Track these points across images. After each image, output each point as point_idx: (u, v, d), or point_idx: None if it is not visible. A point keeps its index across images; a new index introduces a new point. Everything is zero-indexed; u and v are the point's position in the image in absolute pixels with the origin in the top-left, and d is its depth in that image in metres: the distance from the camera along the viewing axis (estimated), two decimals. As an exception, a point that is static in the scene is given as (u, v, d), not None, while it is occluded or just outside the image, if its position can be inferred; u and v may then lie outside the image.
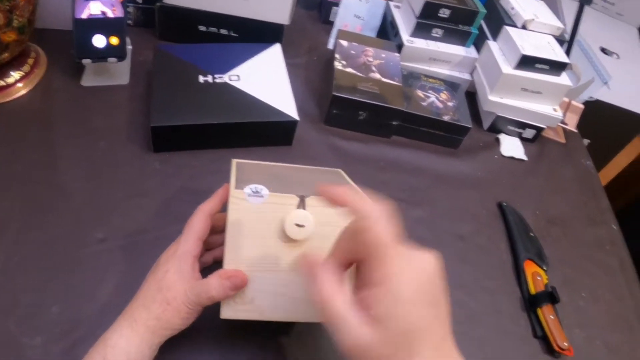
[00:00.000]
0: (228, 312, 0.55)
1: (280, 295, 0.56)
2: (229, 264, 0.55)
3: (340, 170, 0.67)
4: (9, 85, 0.85)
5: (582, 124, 1.16)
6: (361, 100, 0.89)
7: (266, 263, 0.55)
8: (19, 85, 0.86)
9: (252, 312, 0.56)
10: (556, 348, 0.72)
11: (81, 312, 0.63)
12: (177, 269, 0.55)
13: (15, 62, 0.86)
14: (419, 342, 0.39)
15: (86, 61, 0.84)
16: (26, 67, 0.88)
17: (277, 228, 0.54)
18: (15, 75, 0.86)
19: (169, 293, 0.54)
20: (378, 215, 0.43)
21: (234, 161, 0.61)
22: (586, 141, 1.15)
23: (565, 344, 0.72)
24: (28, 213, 0.71)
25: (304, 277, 0.44)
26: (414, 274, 0.41)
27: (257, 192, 0.53)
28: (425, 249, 0.43)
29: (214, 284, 0.53)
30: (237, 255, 0.55)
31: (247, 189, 0.53)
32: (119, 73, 0.93)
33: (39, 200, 0.73)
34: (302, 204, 0.54)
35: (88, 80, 0.91)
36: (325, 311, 0.41)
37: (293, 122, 0.83)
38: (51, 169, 0.77)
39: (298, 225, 0.54)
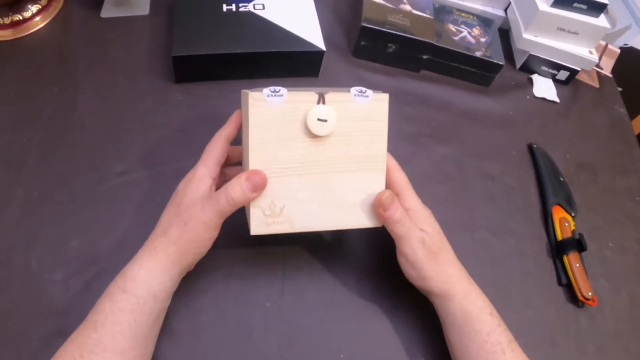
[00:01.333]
0: (258, 228, 0.54)
1: (310, 202, 0.55)
2: (252, 167, 0.54)
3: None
4: (26, 19, 0.84)
5: (615, 71, 1.12)
6: (391, 32, 0.86)
7: (292, 165, 0.54)
8: (37, 19, 0.85)
9: (283, 224, 0.55)
10: (580, 297, 0.70)
11: (100, 246, 0.64)
12: (195, 189, 0.54)
13: (32, -5, 0.84)
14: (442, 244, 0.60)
15: (106, -10, 0.83)
16: (44, 0, 0.86)
17: (299, 127, 0.54)
18: (32, 8, 0.85)
19: (186, 213, 0.53)
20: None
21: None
22: (618, 89, 1.11)
23: (590, 294, 0.70)
24: (46, 147, 0.71)
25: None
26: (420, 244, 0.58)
27: (276, 91, 0.52)
28: None
29: (233, 185, 0.52)
30: (259, 158, 0.53)
31: (266, 90, 0.52)
32: (139, 3, 0.91)
33: (58, 134, 0.73)
34: (322, 100, 0.53)
35: (107, 11, 0.89)
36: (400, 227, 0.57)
37: (319, 53, 0.81)
38: (70, 103, 0.77)
39: (320, 120, 0.53)
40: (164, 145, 0.74)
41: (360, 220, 0.57)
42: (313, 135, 0.53)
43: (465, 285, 0.58)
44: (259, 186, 0.52)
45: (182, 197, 0.54)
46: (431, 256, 0.57)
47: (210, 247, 0.54)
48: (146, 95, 0.79)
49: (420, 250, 0.57)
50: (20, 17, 0.83)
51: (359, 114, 0.55)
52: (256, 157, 0.53)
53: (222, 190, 0.52)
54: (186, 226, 0.52)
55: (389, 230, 0.57)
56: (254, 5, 0.83)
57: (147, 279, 0.51)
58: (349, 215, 0.57)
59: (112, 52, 0.84)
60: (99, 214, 0.66)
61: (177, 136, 0.75)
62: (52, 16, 0.87)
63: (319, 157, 0.54)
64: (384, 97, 0.55)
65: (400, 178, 0.60)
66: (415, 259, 0.57)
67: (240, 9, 0.82)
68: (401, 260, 0.58)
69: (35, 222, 0.64)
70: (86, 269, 0.61)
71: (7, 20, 0.83)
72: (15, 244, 0.62)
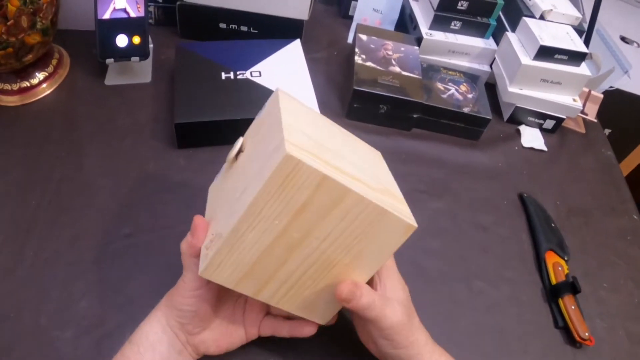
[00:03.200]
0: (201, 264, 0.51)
1: None
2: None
3: (379, 153, 0.65)
4: (33, 86, 0.88)
5: (602, 113, 1.15)
6: (382, 93, 0.90)
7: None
8: (44, 85, 0.89)
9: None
10: (577, 338, 0.72)
11: (109, 306, 0.65)
12: None
13: (39, 63, 0.88)
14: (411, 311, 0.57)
15: (109, 61, 0.86)
16: (50, 68, 0.90)
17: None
18: (39, 76, 0.88)
19: (182, 276, 0.55)
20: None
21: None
22: (607, 131, 1.14)
23: (587, 334, 0.72)
24: (55, 210, 0.73)
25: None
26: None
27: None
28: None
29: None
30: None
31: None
32: (142, 71, 0.94)
33: (66, 197, 0.75)
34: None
35: (111, 79, 0.92)
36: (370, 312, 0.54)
37: (314, 116, 0.84)
38: (77, 167, 0.79)
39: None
40: (168, 209, 0.76)
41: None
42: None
43: (429, 348, 0.58)
44: (194, 229, 0.53)
45: None
46: (404, 326, 0.56)
47: (192, 307, 0.54)
48: (150, 160, 0.82)
49: (395, 323, 0.55)
50: (28, 84, 0.87)
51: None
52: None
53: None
54: (176, 285, 0.55)
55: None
56: (251, 72, 0.87)
57: (145, 330, 0.55)
58: None
59: (117, 118, 0.87)
60: (107, 275, 0.68)
61: (180, 200, 0.77)
62: (58, 83, 0.90)
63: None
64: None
65: None
66: (388, 332, 0.55)
67: (238, 77, 0.86)
68: (372, 331, 0.56)
69: (45, 281, 0.66)
70: (95, 328, 0.63)
71: (15, 87, 0.86)
72: (25, 302, 0.64)
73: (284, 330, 0.62)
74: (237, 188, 0.51)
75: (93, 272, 0.68)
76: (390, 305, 0.54)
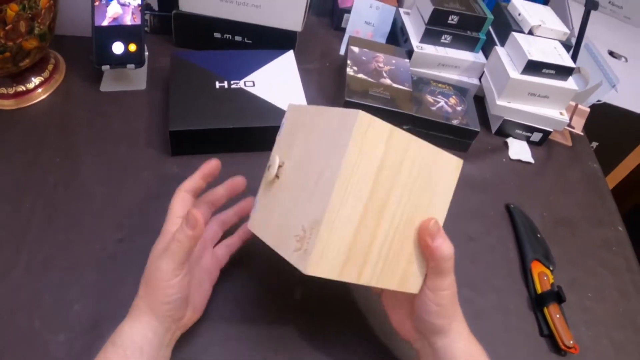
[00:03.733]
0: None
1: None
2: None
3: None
4: (29, 91, 0.89)
5: (590, 126, 1.17)
6: (373, 105, 0.91)
7: None
8: (39, 90, 0.90)
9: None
10: (562, 346, 0.73)
11: (102, 310, 0.66)
12: (155, 247, 0.58)
13: (35, 68, 0.89)
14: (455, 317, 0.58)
15: (105, 67, 0.87)
16: (46, 73, 0.91)
17: None
18: (35, 80, 0.89)
19: (147, 269, 0.57)
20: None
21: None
22: (594, 144, 1.16)
23: (571, 342, 0.73)
24: (49, 215, 0.74)
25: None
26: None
27: None
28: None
29: (177, 231, 0.55)
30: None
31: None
32: (137, 79, 0.95)
33: (60, 202, 0.76)
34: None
35: (106, 85, 0.93)
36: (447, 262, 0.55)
37: (307, 126, 0.86)
38: (72, 172, 0.80)
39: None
40: (161, 215, 0.74)
41: None
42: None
43: (466, 326, 0.59)
44: (193, 225, 0.54)
45: (149, 258, 0.58)
46: (454, 296, 0.57)
47: (178, 294, 0.56)
48: (144, 167, 0.83)
49: (451, 288, 0.56)
50: (24, 88, 0.88)
51: None
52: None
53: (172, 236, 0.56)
54: (147, 281, 0.56)
55: (430, 264, 0.56)
56: (244, 82, 0.88)
57: (130, 332, 0.55)
58: None
59: (112, 124, 0.88)
60: (101, 280, 0.68)
61: None
62: (54, 88, 0.91)
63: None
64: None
65: None
66: (444, 294, 0.56)
67: (232, 86, 0.87)
68: (426, 294, 0.56)
69: (39, 285, 0.66)
70: (88, 332, 0.63)
71: (10, 91, 0.87)
72: (19, 305, 0.64)
73: (233, 240, 0.67)
74: (304, 185, 0.52)
75: (86, 277, 0.69)
76: (448, 277, 0.56)
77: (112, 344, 0.54)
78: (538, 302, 0.79)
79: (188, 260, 0.56)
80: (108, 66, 0.87)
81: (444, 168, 0.56)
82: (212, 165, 0.66)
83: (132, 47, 0.87)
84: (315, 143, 0.53)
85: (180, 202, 0.62)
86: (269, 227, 0.56)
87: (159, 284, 0.55)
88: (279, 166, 0.57)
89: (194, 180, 0.64)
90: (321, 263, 0.48)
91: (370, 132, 0.49)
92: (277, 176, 0.56)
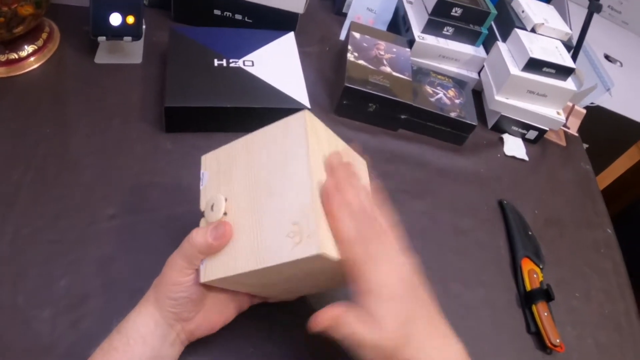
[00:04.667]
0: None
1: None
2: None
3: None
4: (21, 59, 0.86)
5: (582, 128, 1.18)
6: (372, 92, 0.91)
7: None
8: (32, 59, 0.87)
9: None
10: (548, 344, 0.74)
11: (89, 287, 0.64)
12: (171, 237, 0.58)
13: (29, 36, 0.87)
14: (411, 325, 0.49)
15: (101, 38, 0.85)
16: (40, 42, 0.89)
17: None
18: (28, 49, 0.87)
19: (168, 260, 0.55)
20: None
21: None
22: (585, 145, 1.17)
23: (557, 341, 0.74)
24: (38, 186, 0.72)
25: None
26: (389, 280, 0.49)
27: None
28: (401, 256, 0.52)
29: (198, 229, 0.54)
30: None
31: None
32: (133, 52, 0.94)
33: (50, 173, 0.74)
34: None
35: (101, 57, 0.92)
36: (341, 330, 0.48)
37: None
38: (62, 144, 0.78)
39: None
40: (153, 192, 0.75)
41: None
42: None
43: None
44: (221, 236, 0.52)
45: None
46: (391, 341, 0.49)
47: (184, 293, 0.54)
48: (137, 141, 0.81)
49: (377, 340, 0.48)
50: (16, 56, 0.86)
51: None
52: None
53: (188, 235, 0.54)
54: (162, 272, 0.55)
55: None
56: (243, 61, 0.87)
57: (135, 322, 0.54)
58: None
59: (105, 97, 0.86)
60: (89, 256, 0.67)
61: (165, 184, 0.77)
62: (47, 58, 0.89)
63: None
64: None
65: None
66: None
67: (231, 65, 0.86)
68: None
69: (24, 259, 0.65)
70: (74, 309, 0.62)
71: (2, 58, 0.85)
72: (2, 279, 0.62)
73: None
74: (271, 195, 0.52)
75: (74, 252, 0.67)
76: (372, 321, 0.48)
77: (117, 332, 0.53)
78: (527, 299, 0.79)
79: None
80: (104, 37, 0.85)
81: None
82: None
83: (130, 19, 0.86)
84: (263, 160, 0.55)
85: None
86: (238, 258, 0.52)
87: (169, 278, 0.54)
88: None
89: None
90: (326, 240, 0.48)
91: (313, 123, 0.55)
92: (225, 213, 0.55)
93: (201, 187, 0.60)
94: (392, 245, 0.52)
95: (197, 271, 0.54)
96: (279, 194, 0.51)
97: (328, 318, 0.49)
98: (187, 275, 0.54)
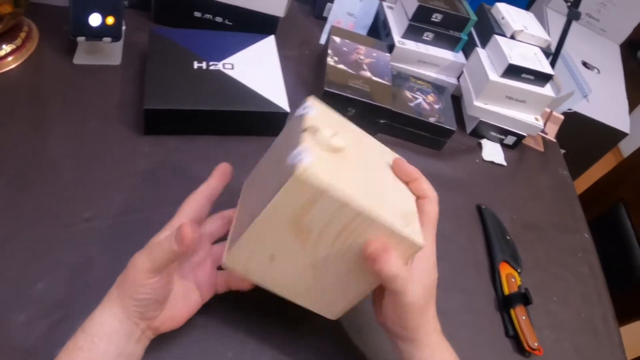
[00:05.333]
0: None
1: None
2: None
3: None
4: (-1, 58, 0.85)
5: (559, 134, 1.19)
6: (351, 96, 0.90)
7: None
8: (10, 59, 0.86)
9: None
10: (527, 347, 0.74)
11: (66, 290, 0.63)
12: (154, 237, 0.56)
13: (7, 35, 0.85)
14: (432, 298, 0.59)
15: (80, 39, 0.84)
16: (18, 41, 0.87)
17: None
18: (6, 48, 0.86)
19: (130, 262, 0.54)
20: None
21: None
22: (562, 151, 1.18)
23: (536, 344, 0.74)
24: (15, 187, 0.71)
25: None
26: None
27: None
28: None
29: (164, 232, 0.55)
30: None
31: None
32: (112, 53, 0.93)
33: (26, 175, 0.73)
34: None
35: (80, 58, 0.90)
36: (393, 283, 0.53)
37: (284, 114, 0.84)
38: (39, 145, 0.77)
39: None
40: (130, 195, 0.74)
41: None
42: None
43: (435, 338, 0.59)
44: (182, 239, 0.51)
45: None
46: (418, 309, 0.56)
47: (149, 295, 0.54)
48: (115, 143, 0.80)
49: (410, 302, 0.54)
50: (-6, 55, 0.84)
51: None
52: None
53: (157, 236, 0.55)
54: (126, 273, 0.54)
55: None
56: (223, 64, 0.87)
57: (99, 320, 0.53)
58: None
59: (83, 98, 0.85)
60: (66, 258, 0.66)
61: (143, 187, 0.76)
62: (25, 57, 0.87)
63: None
64: None
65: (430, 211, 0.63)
66: (403, 310, 0.55)
67: (210, 67, 0.85)
68: (388, 306, 0.56)
69: (0, 261, 0.64)
70: (51, 313, 0.61)
71: (-21, 57, 0.84)
72: (-22, 282, 0.61)
73: (233, 283, 0.63)
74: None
75: (51, 255, 0.66)
76: (413, 284, 0.54)
77: (82, 331, 0.52)
78: (505, 303, 0.80)
79: (168, 268, 0.54)
80: (84, 38, 0.84)
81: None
82: (223, 167, 0.63)
83: (110, 20, 0.85)
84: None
85: (192, 203, 0.60)
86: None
87: (132, 280, 0.53)
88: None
89: (209, 184, 0.62)
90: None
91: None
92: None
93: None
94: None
95: (163, 274, 0.54)
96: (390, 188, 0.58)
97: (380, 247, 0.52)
98: (151, 278, 0.53)
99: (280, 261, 0.54)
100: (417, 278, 0.55)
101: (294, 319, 0.67)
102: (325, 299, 0.59)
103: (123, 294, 0.54)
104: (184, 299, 0.59)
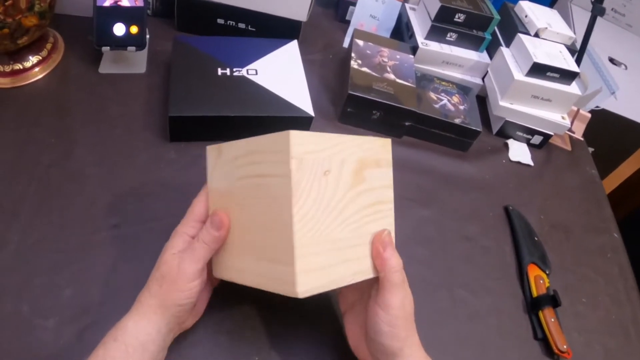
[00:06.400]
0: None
1: None
2: None
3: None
4: (26, 69, 0.86)
5: (587, 132, 1.17)
6: (376, 99, 0.90)
7: None
8: (36, 69, 0.87)
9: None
10: (555, 350, 0.73)
11: (93, 296, 0.64)
12: (171, 246, 0.56)
13: (33, 47, 0.87)
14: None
15: (105, 49, 0.86)
16: (44, 52, 0.89)
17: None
18: (33, 59, 0.87)
19: (164, 266, 0.55)
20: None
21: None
22: (590, 149, 1.16)
23: (565, 347, 0.73)
24: (42, 196, 0.72)
25: None
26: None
27: None
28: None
29: (202, 231, 0.56)
30: None
31: None
32: (137, 62, 0.94)
33: (53, 184, 0.74)
34: None
35: (105, 67, 0.92)
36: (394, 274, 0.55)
37: (309, 118, 0.85)
38: (66, 154, 0.78)
39: None
40: (157, 202, 0.75)
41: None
42: None
43: (422, 353, 0.57)
44: (219, 224, 0.54)
45: (162, 254, 0.56)
46: (410, 316, 0.56)
47: (193, 298, 0.55)
48: (141, 151, 0.81)
49: (404, 307, 0.55)
50: (21, 67, 0.86)
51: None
52: None
53: (195, 239, 0.56)
54: (164, 279, 0.54)
55: (380, 278, 0.55)
56: (247, 70, 0.87)
57: (135, 330, 0.53)
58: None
59: (109, 107, 0.86)
60: (93, 265, 0.67)
61: (169, 193, 0.77)
62: (51, 68, 0.89)
63: None
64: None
65: None
66: (396, 314, 0.54)
67: (235, 74, 0.86)
68: (377, 312, 0.55)
69: (29, 268, 0.65)
70: (78, 318, 0.62)
71: (7, 69, 0.85)
72: (7, 288, 0.62)
73: None
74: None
75: (78, 261, 0.67)
76: (397, 294, 0.55)
77: (114, 340, 0.53)
78: (533, 305, 0.79)
79: (205, 267, 0.56)
80: (108, 47, 0.86)
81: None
82: None
83: (134, 29, 0.86)
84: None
85: (203, 204, 0.60)
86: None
87: (180, 285, 0.54)
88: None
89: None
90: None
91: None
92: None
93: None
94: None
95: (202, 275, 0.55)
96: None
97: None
98: (198, 278, 0.55)
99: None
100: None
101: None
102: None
103: (166, 302, 0.54)
104: (203, 295, 0.61)
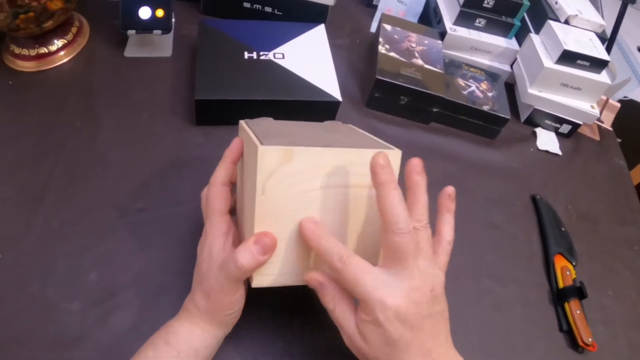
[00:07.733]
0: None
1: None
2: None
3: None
4: (51, 53, 0.87)
5: (615, 122, 1.15)
6: (404, 85, 0.90)
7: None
8: (62, 53, 0.88)
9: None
10: (580, 343, 0.72)
11: (118, 280, 0.65)
12: (207, 255, 0.54)
13: (58, 30, 0.87)
14: (404, 353, 0.47)
15: (131, 32, 0.86)
16: (69, 36, 0.89)
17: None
18: (58, 43, 0.88)
19: (205, 282, 0.53)
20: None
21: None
22: (618, 140, 1.15)
23: (590, 340, 0.72)
24: (68, 180, 0.73)
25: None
26: (394, 303, 0.47)
27: None
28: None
29: (242, 251, 0.49)
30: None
31: None
32: (162, 45, 0.94)
33: (79, 167, 0.75)
34: None
35: (131, 51, 0.92)
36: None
37: (336, 103, 0.84)
38: (92, 137, 0.79)
39: None
40: (183, 186, 0.75)
41: None
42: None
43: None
44: (268, 249, 0.50)
45: (200, 262, 0.55)
46: (390, 341, 0.48)
47: (240, 303, 0.55)
48: (167, 135, 0.81)
49: (384, 327, 0.47)
50: (46, 50, 0.87)
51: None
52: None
53: (230, 257, 0.50)
54: (209, 297, 0.53)
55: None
56: (274, 54, 0.87)
57: (189, 337, 0.53)
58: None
59: (134, 90, 0.86)
60: (118, 249, 0.67)
61: (195, 177, 0.74)
62: (77, 51, 0.90)
63: None
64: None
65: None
66: (370, 329, 0.48)
67: (261, 57, 0.85)
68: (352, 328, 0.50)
69: (54, 251, 0.65)
70: (103, 302, 0.62)
71: (32, 53, 0.86)
72: (32, 271, 0.63)
73: None
74: None
75: (104, 245, 0.67)
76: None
77: (165, 343, 0.52)
78: (559, 296, 0.78)
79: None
80: (134, 31, 0.86)
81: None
82: (236, 146, 0.59)
83: (160, 13, 0.86)
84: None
85: (219, 196, 0.56)
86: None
87: (221, 302, 0.54)
88: None
89: (226, 169, 0.58)
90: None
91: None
92: None
93: None
94: None
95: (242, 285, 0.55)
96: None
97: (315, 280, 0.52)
98: (237, 290, 0.54)
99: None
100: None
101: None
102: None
103: (215, 313, 0.54)
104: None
